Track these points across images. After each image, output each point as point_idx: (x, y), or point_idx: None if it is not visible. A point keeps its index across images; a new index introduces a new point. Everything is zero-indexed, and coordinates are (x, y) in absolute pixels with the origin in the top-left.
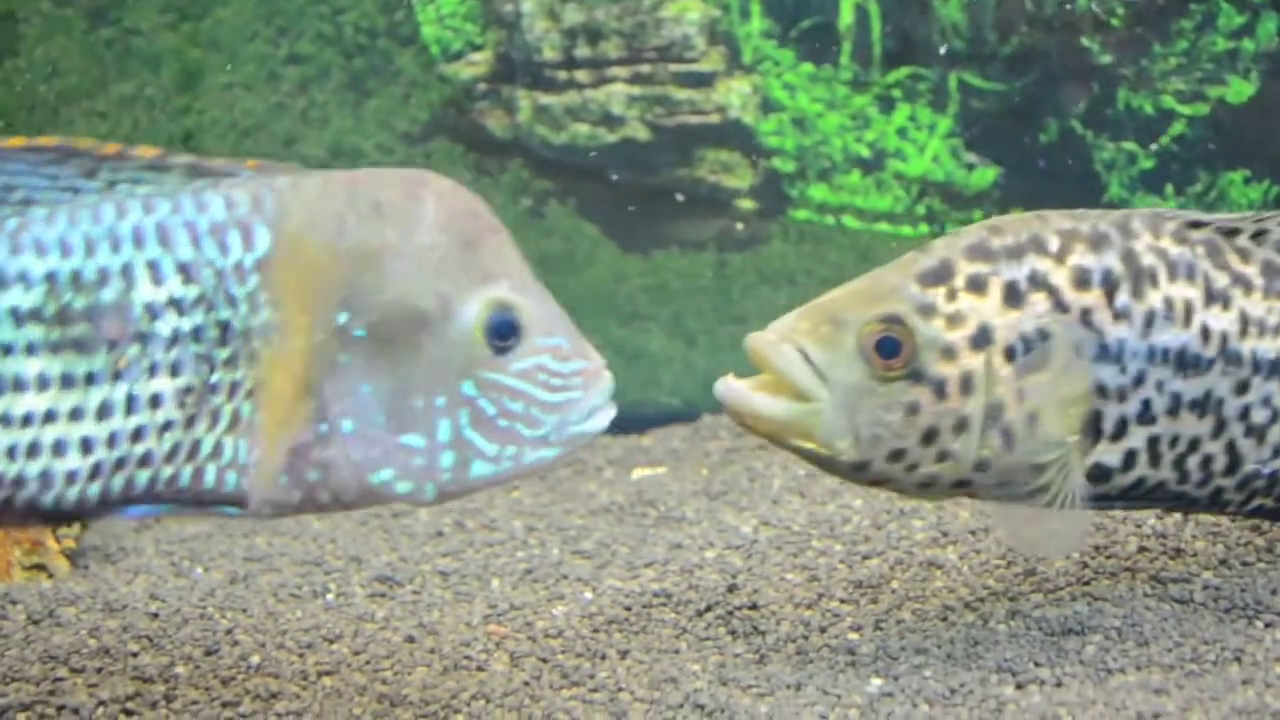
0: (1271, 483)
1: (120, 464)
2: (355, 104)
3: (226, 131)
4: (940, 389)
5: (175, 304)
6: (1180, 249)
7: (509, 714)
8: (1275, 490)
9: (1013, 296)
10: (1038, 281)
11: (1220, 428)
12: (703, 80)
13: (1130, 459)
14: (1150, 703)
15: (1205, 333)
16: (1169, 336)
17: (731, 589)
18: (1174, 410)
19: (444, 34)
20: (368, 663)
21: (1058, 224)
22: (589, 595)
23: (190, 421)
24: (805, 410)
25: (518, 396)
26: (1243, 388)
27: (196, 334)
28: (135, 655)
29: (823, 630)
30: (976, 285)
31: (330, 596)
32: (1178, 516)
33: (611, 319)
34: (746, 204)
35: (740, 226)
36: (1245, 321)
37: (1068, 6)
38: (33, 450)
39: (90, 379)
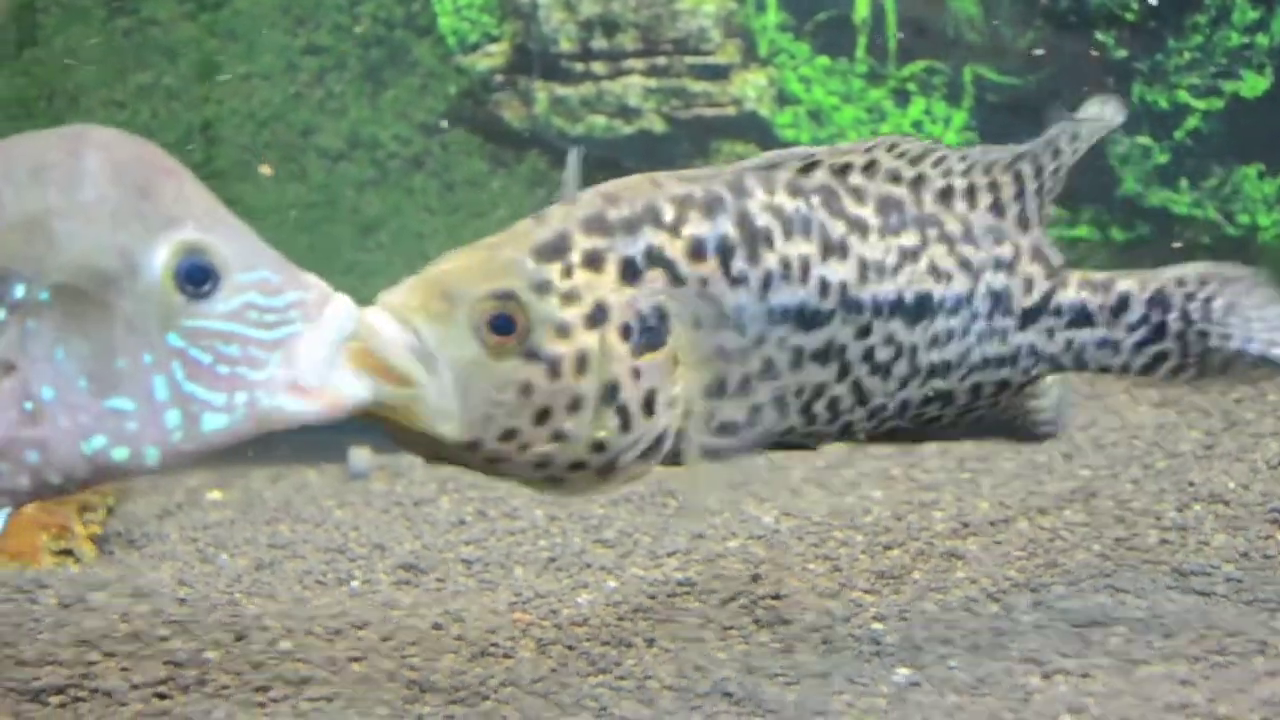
0: (902, 407)
1: None
2: (372, 94)
3: (244, 121)
4: (554, 368)
5: None
6: (795, 203)
7: (538, 700)
8: (907, 413)
9: (629, 273)
10: (654, 257)
11: (845, 371)
12: (719, 73)
13: (756, 412)
14: (1177, 693)
15: (824, 286)
16: (787, 296)
17: (755, 578)
18: (797, 363)
19: (461, 25)
20: (396, 649)
21: (672, 190)
22: (613, 584)
23: None
24: (403, 394)
25: (231, 339)
26: (865, 331)
27: None
28: (166, 640)
29: (847, 620)
30: (593, 261)
31: (355, 584)
32: (1198, 509)
33: None
34: None
35: None
36: (864, 268)
37: (1082, 1)
38: None
39: None
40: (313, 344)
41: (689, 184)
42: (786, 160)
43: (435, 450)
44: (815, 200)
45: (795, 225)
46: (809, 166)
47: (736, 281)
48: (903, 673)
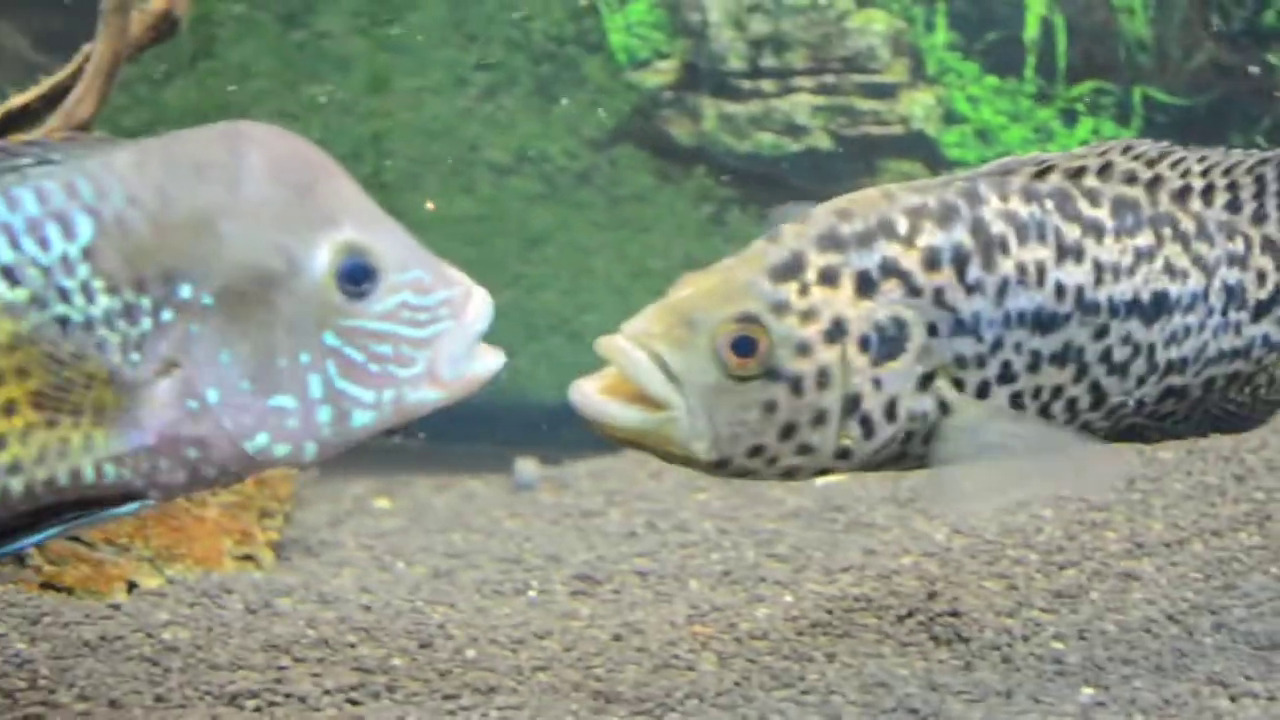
0: (1139, 406)
1: None
2: (542, 109)
3: (414, 135)
4: (796, 385)
5: (7, 309)
6: (1029, 208)
7: (723, 714)
8: (1143, 411)
9: (865, 286)
10: (889, 269)
11: (1082, 372)
12: (887, 91)
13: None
14: None
15: (1060, 290)
16: (1023, 300)
17: (931, 595)
18: (1034, 366)
19: (631, 42)
20: (579, 659)
21: (905, 202)
22: (789, 598)
23: (51, 421)
24: (659, 419)
25: (384, 339)
26: (1102, 332)
27: (35, 336)
28: (353, 646)
29: (1026, 639)
30: (829, 278)
31: (533, 593)
32: None
33: None
34: None
35: None
36: (1099, 270)
37: (1252, 22)
38: None
39: None
40: (456, 339)
41: (922, 194)
42: (1020, 166)
43: (690, 466)
44: (1049, 204)
45: (1030, 230)
46: (1043, 171)
47: (972, 289)
48: (1087, 692)
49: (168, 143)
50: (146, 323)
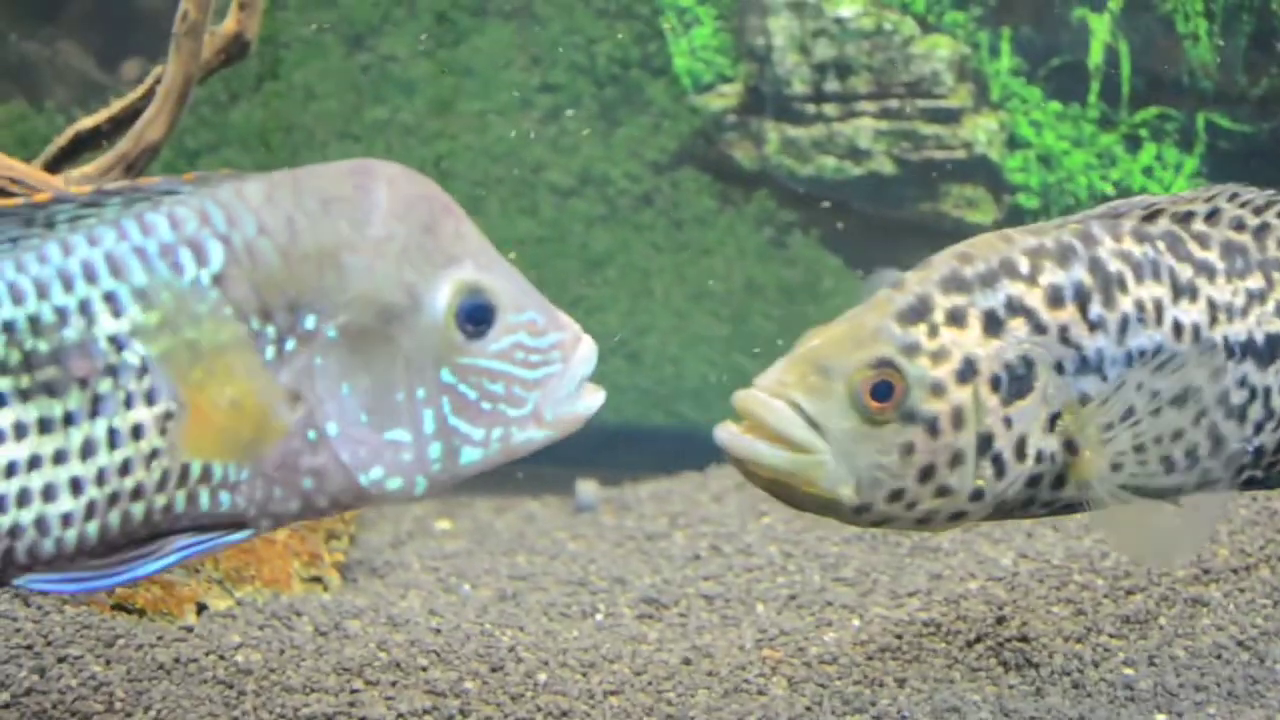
0: (1257, 455)
1: (114, 499)
2: (605, 132)
3: (478, 157)
4: (933, 426)
5: (140, 332)
6: (1142, 248)
7: None
8: (1262, 461)
9: (993, 325)
10: (1015, 307)
11: (1201, 415)
12: (950, 116)
13: (1120, 457)
14: None
15: (1178, 328)
16: (1144, 339)
17: (1000, 620)
18: (1156, 407)
19: (696, 66)
20: (650, 683)
21: (1023, 243)
22: (857, 623)
23: (175, 448)
24: (807, 461)
25: (497, 378)
26: (1216, 374)
27: (166, 358)
28: (425, 669)
29: (1096, 665)
30: (956, 318)
31: (600, 617)
32: None
33: None
34: None
35: None
36: (1213, 309)
37: None
38: (23, 498)
39: (69, 419)
40: (563, 382)
41: (1038, 236)
42: (1129, 209)
43: (827, 512)
44: (1161, 245)
45: (1145, 269)
46: (1152, 214)
47: (1095, 326)
48: (1160, 718)
49: (298, 176)
50: (270, 352)
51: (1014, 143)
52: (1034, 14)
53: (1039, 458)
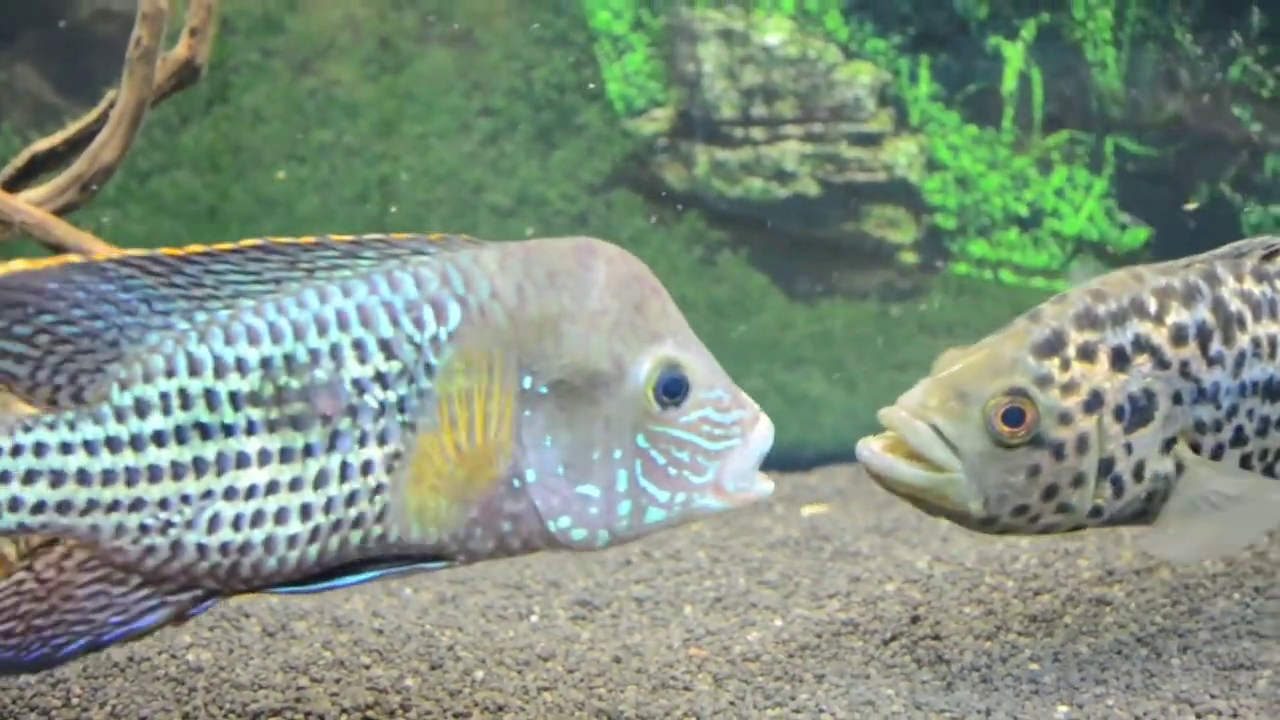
0: None
1: (336, 526)
2: (542, 155)
3: (419, 178)
4: (1059, 451)
5: (380, 378)
6: (1261, 288)
7: None
8: None
9: (1120, 361)
10: (1141, 345)
11: None
12: (872, 140)
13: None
14: None
15: None
16: (1257, 372)
17: (914, 620)
18: (1263, 431)
19: (629, 91)
20: (581, 680)
21: (1153, 283)
22: (779, 623)
23: (399, 484)
24: (942, 479)
25: (685, 446)
26: None
27: (401, 404)
28: (368, 667)
29: (1004, 660)
30: (1087, 354)
31: (535, 618)
32: None
33: (777, 364)
34: (909, 257)
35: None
36: None
37: (1219, 77)
38: (257, 519)
39: (308, 451)
40: (743, 456)
41: (1168, 276)
42: (1251, 249)
43: (957, 521)
44: (1279, 285)
45: (1263, 309)
46: (1272, 255)
47: (1213, 362)
48: (1062, 710)
49: (529, 248)
50: (492, 407)
51: (932, 165)
52: (951, 42)
53: (1154, 478)
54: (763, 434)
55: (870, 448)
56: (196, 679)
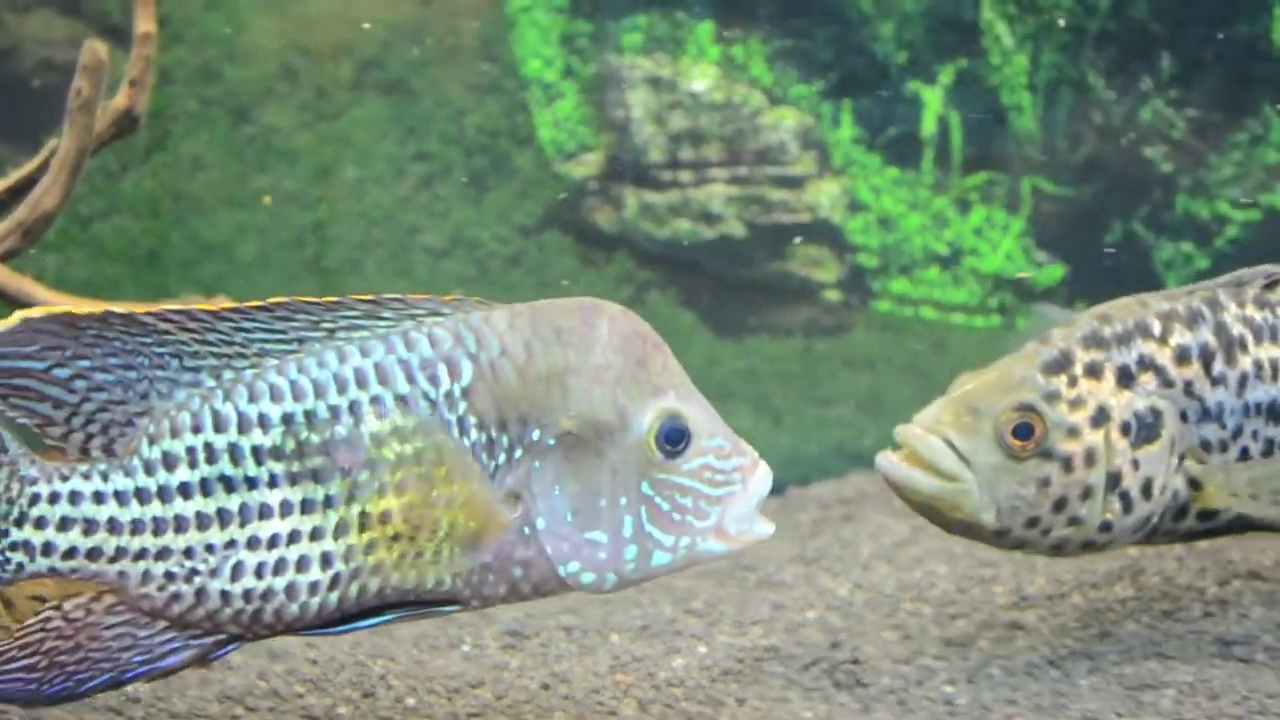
0: None
1: (355, 574)
2: (475, 198)
3: (356, 222)
4: (1067, 464)
5: (397, 432)
6: (1263, 314)
7: None
8: None
9: (1125, 379)
10: (1146, 364)
11: None
12: (796, 182)
13: (1234, 498)
14: None
15: None
16: (1260, 393)
17: (834, 645)
18: (1269, 452)
19: (560, 136)
20: (510, 706)
21: (1157, 307)
22: (703, 649)
23: (415, 532)
24: (955, 488)
25: (688, 493)
26: None
27: (418, 457)
28: (301, 696)
29: (920, 683)
30: (1093, 371)
31: (466, 647)
32: (1238, 584)
33: (706, 399)
34: (833, 295)
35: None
36: None
37: (1131, 119)
38: (279, 567)
39: (328, 502)
40: (743, 501)
41: (1171, 301)
42: (1253, 277)
43: (971, 535)
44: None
45: (1264, 333)
46: (1273, 284)
47: (1217, 382)
48: None
49: (536, 308)
50: (502, 457)
51: (855, 206)
52: (872, 88)
53: (1164, 494)
54: (762, 479)
55: (889, 458)
56: (134, 709)
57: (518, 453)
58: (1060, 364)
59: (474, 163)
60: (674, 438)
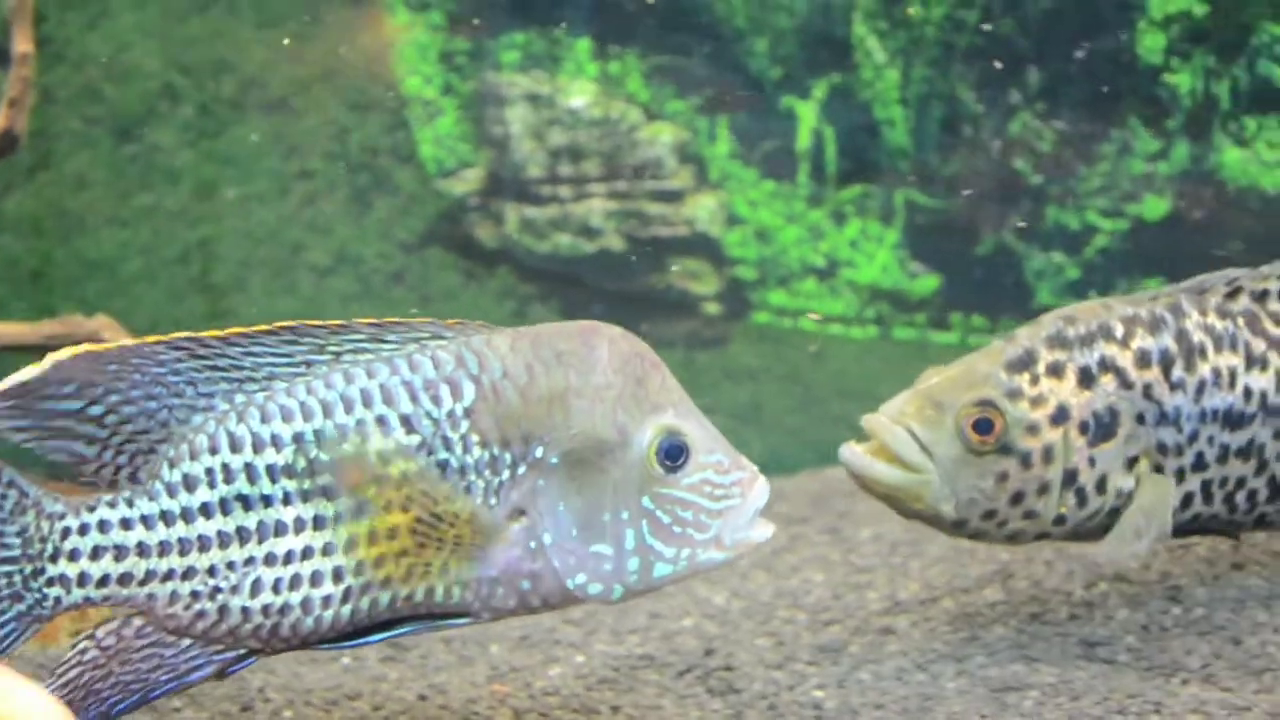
0: None
1: (366, 588)
2: (358, 215)
3: (240, 240)
4: (1026, 460)
5: (403, 451)
6: (1224, 323)
7: None
8: None
9: (1086, 379)
10: (1107, 365)
11: (1262, 467)
12: (674, 196)
13: (1188, 500)
14: None
15: (1247, 393)
16: (1217, 400)
17: (708, 652)
18: (1223, 458)
19: (440, 153)
20: (386, 718)
21: (1121, 311)
22: (581, 658)
23: (421, 546)
24: (916, 479)
25: (688, 506)
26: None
27: (421, 474)
28: (179, 710)
29: (791, 688)
30: (1056, 371)
31: (346, 660)
32: (1104, 587)
33: None
34: (712, 308)
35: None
36: None
37: (1001, 132)
38: (294, 582)
39: (337, 518)
40: (742, 513)
41: (1135, 306)
42: (1214, 285)
43: (931, 524)
44: (1240, 321)
45: (1224, 341)
46: (1234, 291)
47: (1175, 387)
48: None
49: (538, 332)
50: (506, 474)
51: (732, 220)
52: (748, 103)
53: (1118, 494)
54: (760, 491)
55: (852, 449)
56: None
57: (521, 469)
58: (1024, 362)
59: (357, 180)
60: (673, 453)
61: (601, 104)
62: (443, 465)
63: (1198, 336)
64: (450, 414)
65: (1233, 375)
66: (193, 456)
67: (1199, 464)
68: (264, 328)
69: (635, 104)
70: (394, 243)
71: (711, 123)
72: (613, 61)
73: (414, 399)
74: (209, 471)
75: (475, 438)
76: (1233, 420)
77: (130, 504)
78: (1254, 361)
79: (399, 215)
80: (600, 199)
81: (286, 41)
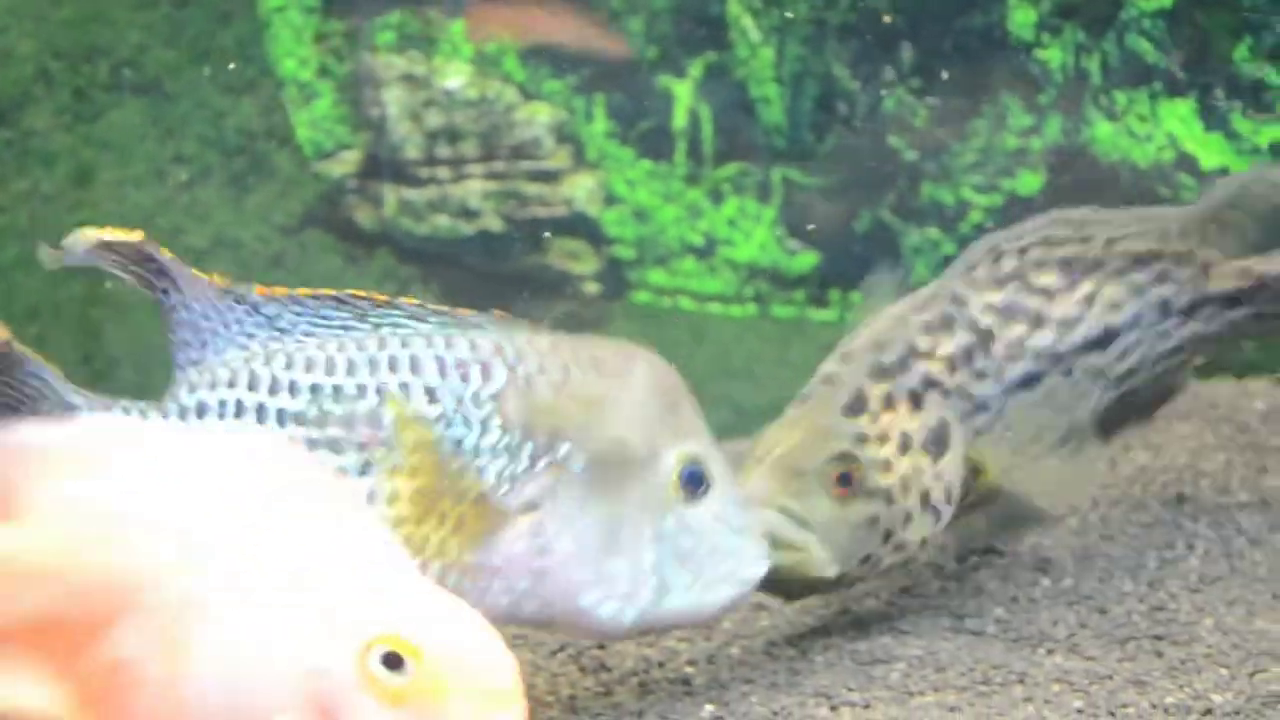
0: (1105, 411)
1: None
2: (236, 199)
3: (118, 223)
4: (889, 497)
5: (419, 417)
6: (1001, 294)
7: None
8: (1110, 416)
9: (915, 402)
10: (928, 383)
11: (1062, 410)
12: (551, 176)
13: (1011, 464)
14: (945, 718)
15: (1037, 355)
16: (1015, 371)
17: None
18: (1028, 415)
19: (317, 135)
20: None
21: (916, 321)
22: None
23: (422, 518)
24: (799, 557)
25: (704, 537)
26: (1069, 371)
27: (435, 444)
28: None
29: (661, 665)
30: (888, 403)
31: None
32: (975, 560)
33: None
34: (591, 288)
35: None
36: (1061, 327)
37: (875, 109)
38: None
39: (340, 473)
40: (751, 551)
41: (920, 311)
42: (980, 259)
43: (813, 591)
44: (1011, 286)
45: (1006, 313)
46: (998, 258)
47: (980, 375)
48: (709, 709)
49: (578, 341)
50: (524, 465)
51: (610, 199)
52: (623, 82)
53: (961, 491)
54: (763, 554)
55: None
56: None
57: (541, 464)
58: (859, 404)
59: (233, 164)
60: (695, 481)
61: (477, 84)
62: (458, 442)
63: (986, 320)
64: (475, 395)
65: (1021, 344)
66: (211, 386)
67: (1007, 427)
68: (308, 291)
69: (511, 84)
70: (272, 226)
71: (588, 102)
72: (488, 42)
73: (442, 373)
74: (222, 403)
75: (498, 421)
76: (1029, 381)
77: (144, 415)
78: (1034, 323)
79: (277, 199)
80: (478, 180)
81: (160, 25)
